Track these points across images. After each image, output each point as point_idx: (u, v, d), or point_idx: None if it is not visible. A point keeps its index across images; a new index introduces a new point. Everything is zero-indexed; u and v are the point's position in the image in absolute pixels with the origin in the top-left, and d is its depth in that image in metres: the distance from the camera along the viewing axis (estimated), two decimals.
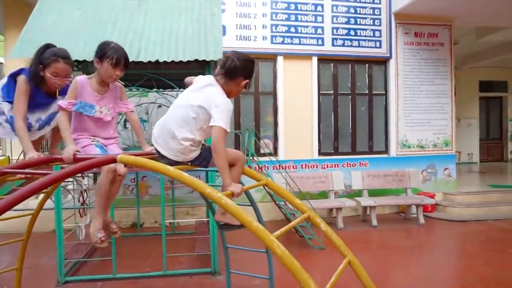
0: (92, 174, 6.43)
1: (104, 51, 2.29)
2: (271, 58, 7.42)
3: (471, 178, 9.98)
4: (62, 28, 4.50)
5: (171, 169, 1.72)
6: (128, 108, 2.56)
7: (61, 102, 2.26)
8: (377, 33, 7.77)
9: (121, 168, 2.17)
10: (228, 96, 2.12)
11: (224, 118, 1.97)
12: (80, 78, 2.33)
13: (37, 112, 2.43)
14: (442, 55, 8.05)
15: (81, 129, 2.35)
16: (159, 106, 7.01)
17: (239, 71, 2.09)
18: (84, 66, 4.93)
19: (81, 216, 5.68)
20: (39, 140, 2.50)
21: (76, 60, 4.24)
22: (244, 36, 7.23)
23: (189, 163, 2.12)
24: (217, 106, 1.99)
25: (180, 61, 4.32)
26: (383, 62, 7.94)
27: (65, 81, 2.35)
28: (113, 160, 1.88)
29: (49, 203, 3.54)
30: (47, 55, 2.30)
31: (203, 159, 2.11)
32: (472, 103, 12.64)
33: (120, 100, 2.53)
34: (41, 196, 3.14)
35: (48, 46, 2.36)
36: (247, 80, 2.13)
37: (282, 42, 7.37)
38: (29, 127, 2.42)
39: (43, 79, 2.34)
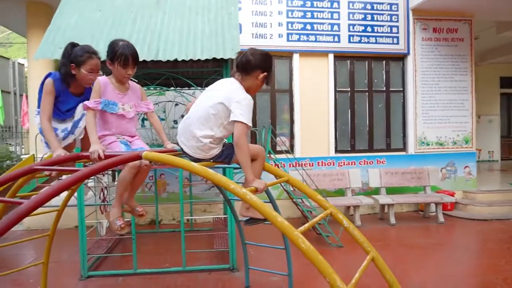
0: (111, 172, 6.57)
1: (114, 51, 2.33)
2: (287, 55, 7.41)
3: (492, 176, 9.76)
4: (83, 29, 4.60)
5: (195, 165, 1.75)
6: (149, 108, 2.60)
7: (87, 102, 2.30)
8: (394, 29, 7.67)
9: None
10: (248, 92, 2.13)
11: (245, 114, 1.98)
12: (102, 78, 2.39)
13: (67, 121, 2.46)
14: (462, 50, 7.88)
15: (105, 128, 2.41)
16: (176, 105, 7.10)
17: (254, 64, 2.10)
18: (103, 67, 5.02)
19: (102, 213, 5.81)
20: (67, 149, 2.51)
21: None
22: (260, 34, 7.24)
23: (212, 160, 2.15)
24: (238, 102, 2.01)
25: (198, 60, 4.35)
26: (400, 58, 7.83)
27: (96, 76, 2.38)
28: (139, 157, 1.92)
29: (69, 201, 3.63)
30: (79, 53, 2.33)
31: (226, 156, 2.14)
32: (493, 100, 12.33)
33: (141, 100, 2.58)
34: (64, 193, 3.24)
35: (74, 45, 2.40)
36: (265, 73, 2.12)
37: (298, 40, 7.35)
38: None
39: (73, 79, 2.37)
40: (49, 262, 3.46)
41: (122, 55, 2.30)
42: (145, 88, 5.03)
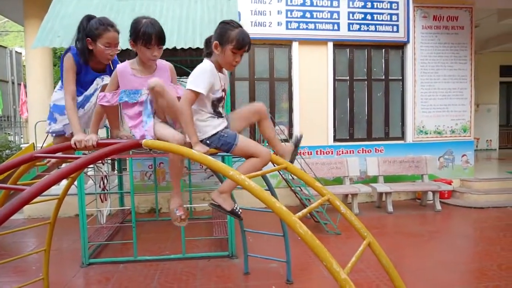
0: (110, 160, 6.59)
1: (136, 30, 2.05)
2: (287, 44, 7.37)
3: (490, 164, 9.82)
4: (81, 16, 4.55)
5: (195, 152, 1.77)
6: (178, 93, 2.19)
7: (102, 99, 2.08)
8: (394, 17, 7.61)
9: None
10: (225, 67, 2.20)
11: (193, 81, 2.02)
12: (119, 67, 2.14)
13: (78, 96, 2.31)
14: (462, 39, 7.85)
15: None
16: None
17: (212, 39, 2.18)
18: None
19: (102, 201, 5.85)
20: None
21: None
22: (259, 22, 7.19)
23: (208, 141, 2.08)
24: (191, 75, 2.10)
25: (197, 48, 4.34)
26: (400, 46, 7.80)
27: (115, 51, 2.24)
28: (138, 144, 1.94)
29: (69, 189, 3.65)
30: (94, 26, 2.16)
31: (223, 143, 2.09)
32: (492, 88, 12.31)
33: (171, 82, 2.26)
34: (64, 181, 3.25)
35: (90, 18, 2.22)
36: (216, 42, 2.14)
37: (298, 28, 7.30)
38: (62, 111, 2.33)
39: (92, 54, 2.23)
40: (51, 250, 3.51)
41: (144, 34, 2.00)
42: None
